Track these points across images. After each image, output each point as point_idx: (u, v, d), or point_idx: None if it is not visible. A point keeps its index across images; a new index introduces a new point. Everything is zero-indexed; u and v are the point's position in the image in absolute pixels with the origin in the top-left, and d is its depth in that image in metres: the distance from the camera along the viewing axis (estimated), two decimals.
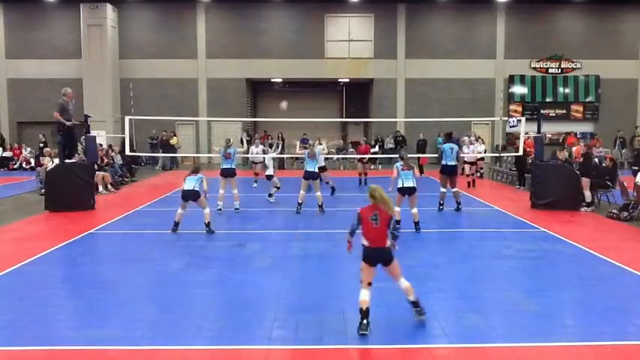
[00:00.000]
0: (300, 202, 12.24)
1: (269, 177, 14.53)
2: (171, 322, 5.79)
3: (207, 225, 10.14)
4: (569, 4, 27.62)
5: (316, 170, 12.40)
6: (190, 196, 10.02)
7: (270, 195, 14.13)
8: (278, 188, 14.20)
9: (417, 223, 10.33)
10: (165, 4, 27.34)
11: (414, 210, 10.30)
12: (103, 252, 9.36)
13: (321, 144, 14.22)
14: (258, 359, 4.98)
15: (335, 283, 7.15)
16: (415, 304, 5.63)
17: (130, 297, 6.70)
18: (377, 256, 5.54)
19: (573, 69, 27.99)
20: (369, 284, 5.49)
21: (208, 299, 6.58)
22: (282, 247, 9.15)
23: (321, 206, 12.24)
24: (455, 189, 12.80)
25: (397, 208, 10.10)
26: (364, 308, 5.31)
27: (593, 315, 5.98)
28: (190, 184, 10.05)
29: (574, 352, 5.08)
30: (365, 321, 5.28)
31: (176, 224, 10.21)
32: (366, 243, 5.52)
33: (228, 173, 12.71)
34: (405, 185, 10.10)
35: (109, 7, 26.32)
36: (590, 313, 6.08)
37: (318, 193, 12.30)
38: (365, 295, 5.41)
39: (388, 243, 5.58)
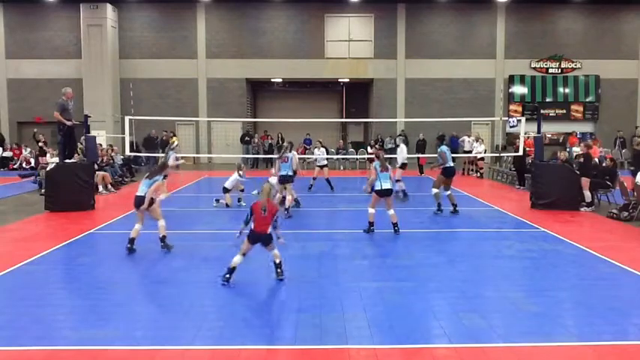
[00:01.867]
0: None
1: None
2: (171, 322, 5.79)
3: (162, 239, 8.82)
4: (569, 4, 27.62)
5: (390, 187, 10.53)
6: (137, 202, 8.60)
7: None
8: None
9: (395, 224, 10.06)
10: (165, 4, 27.34)
11: (392, 211, 10.06)
12: (103, 252, 9.34)
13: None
14: (258, 359, 4.98)
15: (335, 283, 7.15)
16: (278, 265, 7.23)
17: (130, 297, 6.70)
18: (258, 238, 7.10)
19: (573, 69, 27.99)
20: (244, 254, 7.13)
21: (208, 299, 6.57)
22: (282, 247, 9.11)
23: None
24: (448, 192, 12.41)
25: (372, 210, 10.09)
26: (233, 267, 6.99)
27: (593, 315, 5.98)
28: (142, 188, 8.66)
29: (574, 352, 5.08)
30: (228, 275, 6.98)
31: (130, 241, 8.67)
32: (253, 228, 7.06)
33: (284, 180, 12.07)
34: (383, 187, 9.83)
35: (109, 7, 26.33)
36: (590, 313, 6.08)
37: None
38: (238, 260, 7.04)
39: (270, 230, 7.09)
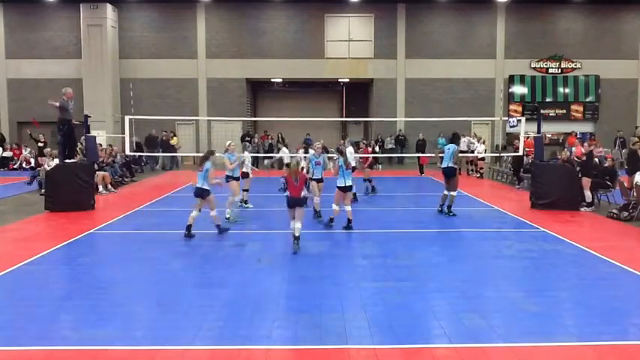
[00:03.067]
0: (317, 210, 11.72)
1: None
2: (172, 322, 5.79)
3: (218, 227, 9.96)
4: (569, 4, 27.63)
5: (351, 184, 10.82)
6: (198, 194, 9.69)
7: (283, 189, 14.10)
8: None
9: (349, 221, 10.40)
10: (165, 4, 27.35)
11: (348, 208, 10.51)
12: (103, 252, 9.35)
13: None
14: (258, 359, 4.98)
15: (335, 283, 7.15)
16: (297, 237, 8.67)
17: (130, 297, 6.70)
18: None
19: (573, 69, 28.00)
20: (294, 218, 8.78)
21: (208, 299, 6.57)
22: (282, 247, 9.14)
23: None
24: (452, 192, 12.08)
25: (335, 207, 10.47)
26: (297, 236, 8.72)
27: (593, 315, 5.98)
28: (199, 180, 9.69)
29: (574, 352, 5.08)
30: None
31: (187, 227, 9.72)
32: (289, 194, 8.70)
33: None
34: (346, 184, 10.33)
35: (109, 7, 26.33)
36: (590, 313, 6.08)
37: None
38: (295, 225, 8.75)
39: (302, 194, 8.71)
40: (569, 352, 5.07)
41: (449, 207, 12.08)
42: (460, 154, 13.66)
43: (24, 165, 25.09)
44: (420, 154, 22.40)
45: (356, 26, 27.79)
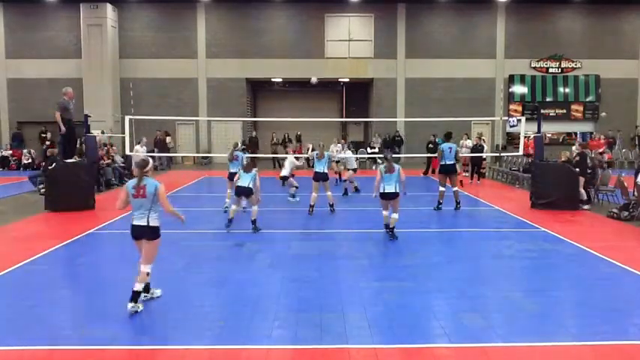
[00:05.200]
0: (312, 204, 12.16)
1: (284, 178, 14.53)
2: (172, 322, 5.79)
3: (254, 222, 10.34)
4: (569, 4, 27.62)
5: (326, 171, 12.35)
6: (243, 192, 10.25)
7: (292, 196, 14.16)
8: (297, 187, 14.22)
9: (392, 229, 9.68)
10: (165, 4, 27.34)
11: (395, 216, 9.69)
12: (103, 252, 9.35)
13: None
14: (258, 359, 4.98)
15: (335, 283, 7.15)
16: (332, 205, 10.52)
17: (129, 297, 6.68)
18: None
19: (573, 69, 27.99)
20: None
21: (208, 299, 6.58)
22: (283, 247, 9.15)
23: (332, 206, 12.41)
24: (455, 188, 12.97)
25: (385, 212, 9.87)
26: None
27: (593, 315, 5.98)
28: (245, 180, 10.18)
29: (574, 352, 5.08)
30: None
31: (229, 221, 10.45)
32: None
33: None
34: (386, 191, 9.49)
35: (109, 6, 26.32)
36: (590, 313, 6.08)
37: (329, 193, 12.39)
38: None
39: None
40: (569, 352, 5.07)
41: (457, 202, 12.73)
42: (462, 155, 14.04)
43: (24, 161, 25.06)
44: (431, 155, 22.08)
45: (356, 26, 27.78)
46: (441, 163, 13.06)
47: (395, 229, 9.65)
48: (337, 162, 17.03)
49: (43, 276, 7.60)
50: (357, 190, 15.46)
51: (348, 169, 15.92)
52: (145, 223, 6.07)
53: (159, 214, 6.19)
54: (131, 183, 6.17)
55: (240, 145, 13.75)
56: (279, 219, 11.91)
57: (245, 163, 10.73)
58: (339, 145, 18.13)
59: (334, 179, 16.33)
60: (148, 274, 6.07)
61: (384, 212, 9.89)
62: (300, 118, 23.53)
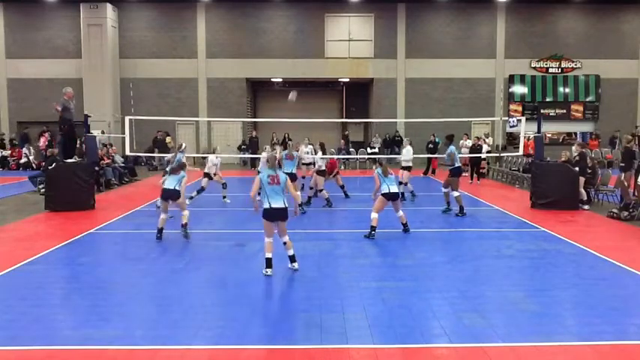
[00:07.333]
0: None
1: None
2: (172, 322, 5.79)
3: (184, 226, 9.71)
4: (569, 4, 27.61)
5: (294, 172, 12.61)
6: (169, 195, 9.63)
7: (223, 197, 14.30)
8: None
9: (405, 224, 10.14)
10: (165, 4, 27.33)
11: (400, 213, 10.05)
12: (103, 252, 9.35)
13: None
14: (257, 359, 4.98)
15: (335, 283, 7.15)
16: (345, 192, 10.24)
17: (129, 297, 6.70)
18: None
19: (573, 69, 27.99)
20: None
21: (208, 299, 6.58)
22: (282, 247, 9.13)
23: (301, 206, 10.98)
24: (456, 193, 12.25)
25: (375, 214, 9.79)
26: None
27: (593, 315, 5.98)
28: (171, 182, 9.67)
29: (574, 352, 5.08)
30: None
31: (159, 230, 9.65)
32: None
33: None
34: (391, 191, 9.71)
35: (109, 6, 26.32)
36: (590, 313, 6.08)
37: (297, 193, 10.68)
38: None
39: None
40: (569, 351, 5.07)
41: (461, 208, 12.10)
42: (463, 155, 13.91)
43: (27, 158, 25.06)
44: (431, 155, 22.04)
45: (356, 26, 27.77)
46: (456, 165, 12.36)
47: (395, 229, 9.70)
48: (308, 165, 16.05)
49: (43, 276, 7.60)
50: (328, 202, 13.53)
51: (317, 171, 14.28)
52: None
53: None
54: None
55: (183, 146, 13.35)
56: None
57: (175, 165, 10.28)
58: (310, 146, 16.62)
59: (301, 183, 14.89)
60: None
61: (374, 215, 9.77)
62: (300, 119, 23.46)
